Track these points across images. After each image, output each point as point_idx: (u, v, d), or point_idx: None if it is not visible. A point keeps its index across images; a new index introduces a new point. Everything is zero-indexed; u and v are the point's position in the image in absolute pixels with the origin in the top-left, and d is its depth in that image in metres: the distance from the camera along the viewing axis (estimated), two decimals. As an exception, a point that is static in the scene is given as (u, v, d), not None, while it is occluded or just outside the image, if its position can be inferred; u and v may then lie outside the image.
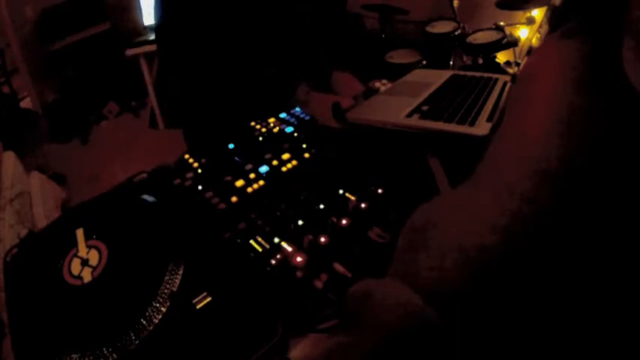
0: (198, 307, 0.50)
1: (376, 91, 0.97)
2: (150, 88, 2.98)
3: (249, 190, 0.69)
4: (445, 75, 0.96)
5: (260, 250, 0.57)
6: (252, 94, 1.03)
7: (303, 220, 0.61)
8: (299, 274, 0.53)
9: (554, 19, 0.41)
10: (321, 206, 0.63)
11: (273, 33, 1.06)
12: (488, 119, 0.69)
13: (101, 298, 0.53)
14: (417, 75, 1.03)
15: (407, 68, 1.10)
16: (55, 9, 3.06)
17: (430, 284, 0.31)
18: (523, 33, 1.65)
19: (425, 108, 0.77)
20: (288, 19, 1.07)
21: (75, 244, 0.60)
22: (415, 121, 0.74)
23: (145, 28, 3.03)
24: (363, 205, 0.62)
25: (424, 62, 1.21)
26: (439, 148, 0.69)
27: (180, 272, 0.53)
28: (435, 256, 0.32)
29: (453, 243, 0.32)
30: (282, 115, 0.91)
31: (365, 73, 1.08)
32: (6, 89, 3.22)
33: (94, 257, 0.57)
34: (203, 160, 0.79)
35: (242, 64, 1.06)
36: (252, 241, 0.58)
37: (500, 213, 0.31)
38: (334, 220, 0.60)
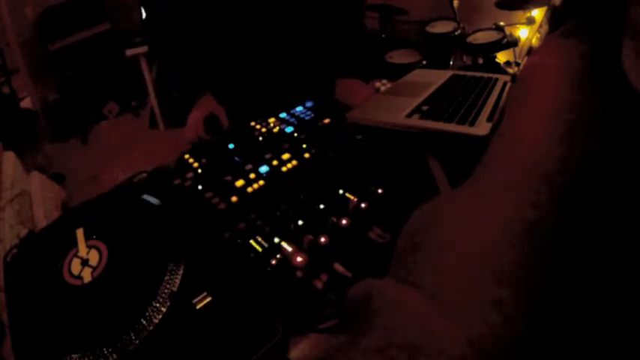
0: (198, 307, 0.50)
1: (376, 91, 0.98)
2: (150, 88, 2.98)
3: (249, 190, 0.69)
4: (445, 75, 0.96)
5: (260, 250, 0.57)
6: (252, 94, 1.03)
7: (303, 220, 0.61)
8: (299, 274, 0.53)
9: (554, 19, 0.41)
10: (321, 206, 0.63)
11: (272, 33, 1.06)
12: (488, 119, 0.69)
13: (101, 298, 0.53)
14: (417, 75, 1.03)
15: (407, 68, 1.10)
16: (55, 9, 3.07)
17: (430, 284, 0.31)
18: (523, 33, 1.65)
19: (425, 108, 0.77)
20: (287, 19, 1.07)
21: (75, 244, 0.60)
22: (415, 121, 0.74)
23: (145, 28, 3.02)
24: (363, 205, 0.62)
25: (424, 62, 1.21)
26: (439, 148, 0.69)
27: (180, 272, 0.53)
28: (435, 257, 0.32)
29: (453, 243, 0.32)
30: (282, 115, 0.91)
31: (365, 73, 1.08)
32: (6, 89, 3.22)
33: (94, 257, 0.57)
34: (203, 160, 0.79)
35: (243, 63, 1.06)
36: (252, 241, 0.58)
37: (499, 213, 0.31)
38: (334, 220, 0.60)
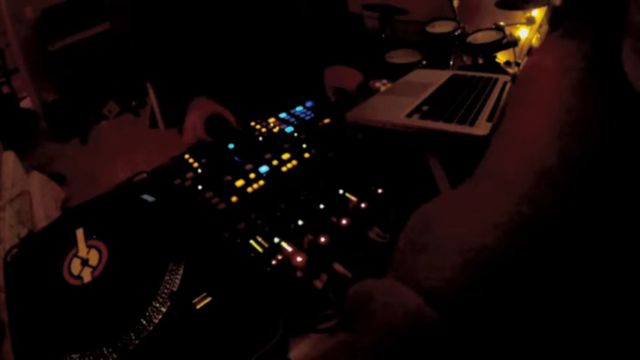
0: (198, 307, 0.50)
1: (376, 91, 0.97)
2: (150, 88, 2.97)
3: (249, 190, 0.69)
4: (445, 75, 0.96)
5: (260, 250, 0.57)
6: (250, 94, 1.03)
7: (303, 220, 0.61)
8: (299, 274, 0.53)
9: (554, 19, 0.41)
10: (321, 206, 0.63)
11: (271, 35, 1.06)
12: (488, 119, 0.69)
13: (101, 298, 0.53)
14: (417, 75, 1.03)
15: (407, 68, 1.09)
16: (55, 9, 3.06)
17: (430, 284, 0.31)
18: (523, 33, 1.65)
19: (425, 108, 0.77)
20: (286, 22, 1.07)
21: (75, 244, 0.60)
22: (415, 121, 0.74)
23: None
24: (363, 205, 0.62)
25: (424, 62, 1.20)
26: (439, 148, 0.69)
27: (180, 272, 0.53)
28: (435, 256, 0.32)
29: (453, 243, 0.32)
30: (282, 115, 0.91)
31: (365, 73, 1.08)
32: (6, 89, 3.21)
33: (94, 257, 0.57)
34: (203, 160, 0.79)
35: (241, 64, 1.06)
36: (252, 241, 0.58)
37: (500, 213, 0.31)
38: (334, 220, 0.60)
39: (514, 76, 0.84)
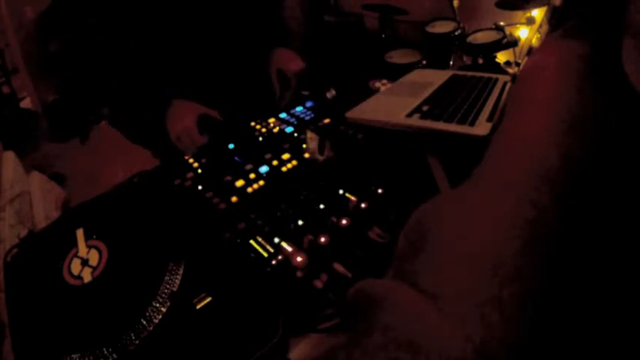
0: (198, 307, 0.50)
1: (376, 91, 0.97)
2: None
3: (249, 190, 0.69)
4: (445, 75, 0.96)
5: (260, 250, 0.57)
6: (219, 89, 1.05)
7: (303, 220, 0.61)
8: (299, 274, 0.53)
9: (554, 19, 0.41)
10: (321, 206, 0.63)
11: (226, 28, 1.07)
12: (489, 119, 0.69)
13: (101, 299, 0.53)
14: (417, 75, 1.03)
15: (407, 68, 1.09)
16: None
17: (431, 284, 0.31)
18: (523, 33, 1.65)
19: (425, 108, 0.77)
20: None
21: (75, 244, 0.60)
22: (415, 121, 0.74)
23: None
24: (363, 205, 0.62)
25: (424, 62, 1.20)
26: (439, 148, 0.69)
27: (180, 272, 0.53)
28: (435, 256, 0.32)
29: (453, 243, 0.32)
30: (282, 115, 0.91)
31: (365, 73, 1.08)
32: (6, 89, 3.22)
33: (94, 257, 0.57)
34: (203, 160, 0.79)
35: (207, 61, 1.07)
36: (252, 241, 0.58)
37: (500, 213, 0.31)
38: (334, 220, 0.60)
39: (514, 76, 0.84)
